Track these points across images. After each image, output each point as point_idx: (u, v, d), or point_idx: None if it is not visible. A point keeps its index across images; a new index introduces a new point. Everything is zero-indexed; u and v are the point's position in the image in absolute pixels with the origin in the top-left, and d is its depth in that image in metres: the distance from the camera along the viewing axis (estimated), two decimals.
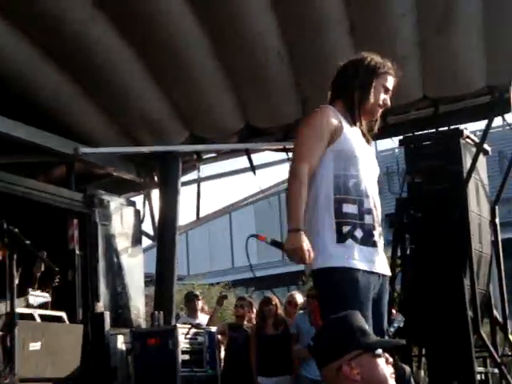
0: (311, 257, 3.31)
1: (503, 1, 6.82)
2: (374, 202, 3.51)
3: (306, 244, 3.29)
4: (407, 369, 4.46)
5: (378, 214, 3.52)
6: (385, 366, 2.44)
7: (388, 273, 3.57)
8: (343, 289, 3.35)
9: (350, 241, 3.40)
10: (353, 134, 3.52)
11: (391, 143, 8.23)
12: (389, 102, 3.63)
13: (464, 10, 6.83)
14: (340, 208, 3.39)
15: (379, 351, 2.44)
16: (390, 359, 2.46)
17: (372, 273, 3.43)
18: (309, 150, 3.43)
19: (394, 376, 2.45)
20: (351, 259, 3.38)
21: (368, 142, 3.67)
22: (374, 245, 3.47)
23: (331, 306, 3.33)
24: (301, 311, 7.86)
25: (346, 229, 3.38)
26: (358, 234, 3.41)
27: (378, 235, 3.50)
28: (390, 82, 3.63)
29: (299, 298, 8.19)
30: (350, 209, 3.42)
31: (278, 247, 3.37)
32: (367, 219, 3.45)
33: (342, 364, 2.40)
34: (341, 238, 3.39)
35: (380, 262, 3.50)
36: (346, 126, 3.51)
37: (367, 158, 3.58)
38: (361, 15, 6.90)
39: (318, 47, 7.13)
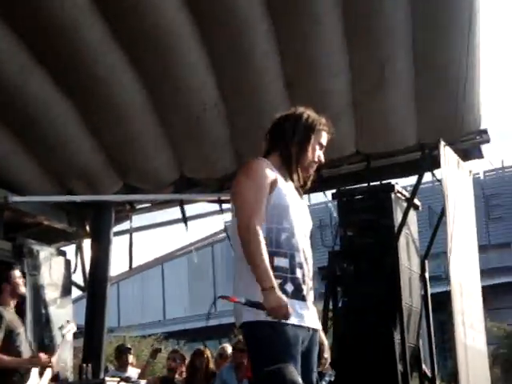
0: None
1: (434, 66, 7.03)
2: (305, 255, 3.53)
3: (284, 299, 3.26)
4: None
5: (309, 268, 3.54)
6: None
7: (318, 326, 3.58)
8: (272, 343, 3.34)
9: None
10: (286, 188, 3.55)
11: (324, 196, 8.32)
12: (323, 158, 3.69)
13: (396, 71, 7.01)
14: (271, 261, 3.39)
15: None
16: None
17: (301, 327, 3.44)
18: (256, 204, 3.42)
19: None
20: (267, 315, 3.37)
21: (301, 195, 3.70)
22: (303, 299, 3.48)
23: (260, 359, 3.32)
24: (227, 364, 7.81)
25: (276, 282, 3.38)
26: (289, 287, 3.42)
27: (308, 289, 3.51)
28: (325, 139, 3.70)
29: (230, 351, 8.14)
30: (281, 262, 3.43)
31: (257, 307, 3.32)
32: (298, 273, 3.46)
33: None
34: None
35: (309, 316, 3.51)
36: (280, 179, 3.54)
37: (300, 212, 3.60)
38: (296, 73, 7.02)
39: (254, 102, 7.21)
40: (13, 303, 6.03)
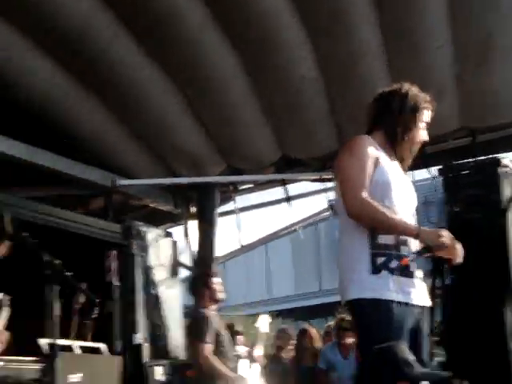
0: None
1: None
2: None
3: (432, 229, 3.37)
4: None
5: (414, 244, 3.51)
6: None
7: (427, 303, 3.55)
8: (378, 320, 3.34)
9: (384, 272, 3.40)
10: (390, 166, 3.53)
11: (428, 173, 8.19)
12: (427, 137, 3.65)
13: (502, 46, 6.81)
14: (375, 239, 3.39)
15: (424, 383, 2.41)
16: None
17: (407, 304, 3.42)
18: (360, 182, 3.42)
19: None
20: (386, 290, 3.37)
21: (405, 172, 3.67)
22: (410, 276, 3.46)
23: (368, 337, 3.33)
24: (330, 342, 7.83)
25: (380, 260, 3.38)
26: (394, 264, 3.41)
27: (415, 266, 3.49)
28: (428, 117, 3.65)
29: None
30: (385, 240, 3.42)
31: (428, 251, 3.40)
32: (403, 250, 3.44)
33: None
34: (375, 269, 3.39)
35: (417, 293, 3.48)
36: (383, 157, 3.52)
37: (404, 190, 3.58)
38: (397, 46, 6.90)
39: (355, 75, 7.14)
40: (212, 307, 6.20)
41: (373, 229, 3.40)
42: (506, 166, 7.07)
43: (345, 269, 3.45)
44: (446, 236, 3.41)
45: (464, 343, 6.66)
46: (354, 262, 3.41)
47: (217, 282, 6.31)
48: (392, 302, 3.35)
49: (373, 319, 3.34)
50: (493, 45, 6.76)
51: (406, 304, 3.41)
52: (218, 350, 6.09)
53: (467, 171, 7.20)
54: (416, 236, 3.37)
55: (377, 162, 3.48)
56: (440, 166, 7.41)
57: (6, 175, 7.30)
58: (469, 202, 7.03)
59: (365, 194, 3.36)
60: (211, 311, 6.20)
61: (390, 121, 3.58)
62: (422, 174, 7.62)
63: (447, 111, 7.12)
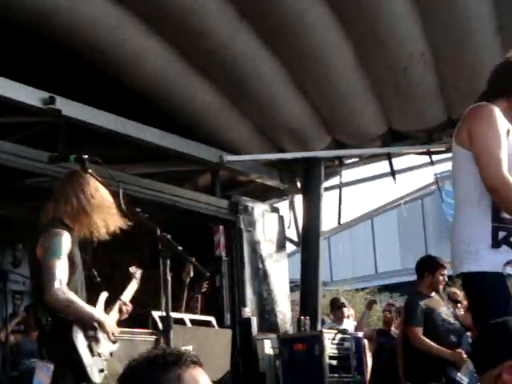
0: None
1: None
2: None
3: None
4: None
5: None
6: None
7: None
8: (495, 295, 3.27)
9: (504, 247, 3.31)
10: None
11: None
12: None
13: None
14: (498, 212, 3.31)
15: None
16: None
17: None
18: (500, 153, 3.33)
19: None
20: (505, 265, 3.29)
21: None
22: None
23: (482, 311, 3.27)
24: None
25: (501, 234, 3.30)
26: None
27: None
28: None
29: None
30: (508, 215, 3.33)
31: None
32: None
33: (503, 371, 2.33)
34: (496, 243, 3.31)
35: None
36: (510, 127, 3.43)
37: None
38: (509, 15, 6.68)
39: (464, 50, 6.97)
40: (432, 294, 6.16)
41: (495, 203, 3.33)
42: None
43: (462, 240, 3.37)
44: None
45: None
46: (474, 234, 3.33)
47: (443, 273, 6.22)
48: (510, 276, 3.29)
49: (490, 294, 3.27)
50: None
51: None
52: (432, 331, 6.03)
53: None
54: None
55: (508, 133, 3.39)
56: None
57: (118, 152, 7.50)
58: None
59: (505, 172, 3.27)
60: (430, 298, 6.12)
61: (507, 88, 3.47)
62: None
63: None
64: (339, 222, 9.67)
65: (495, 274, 3.27)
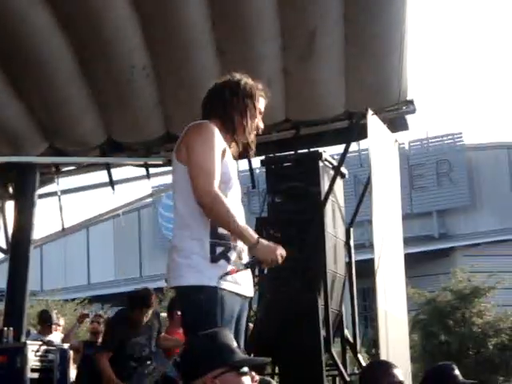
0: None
1: (363, 35, 7.08)
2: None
3: (271, 244, 3.41)
4: (273, 382, 4.52)
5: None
6: (250, 383, 2.43)
7: (252, 294, 3.62)
8: (210, 308, 3.36)
9: (222, 261, 3.42)
10: (229, 156, 3.56)
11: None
12: (262, 125, 3.70)
13: (326, 40, 7.04)
14: (215, 229, 3.41)
15: (245, 369, 2.43)
16: (256, 377, 2.47)
17: (239, 295, 3.48)
18: (214, 169, 3.40)
19: None
20: (222, 280, 3.40)
21: (252, 156, 3.74)
22: (243, 267, 3.50)
23: (196, 323, 3.34)
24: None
25: (219, 249, 3.41)
26: (231, 255, 3.44)
27: (246, 257, 3.54)
28: (263, 105, 3.70)
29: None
30: (224, 230, 3.44)
31: (256, 265, 3.42)
32: (239, 242, 3.47)
33: (206, 381, 2.38)
34: (214, 258, 3.41)
35: (248, 285, 3.55)
36: (227, 148, 3.55)
37: (236, 179, 3.62)
38: (227, 40, 6.97)
39: (184, 66, 7.14)
40: None
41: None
42: (326, 160, 7.33)
43: (183, 255, 3.43)
44: (280, 254, 3.45)
45: (278, 329, 6.84)
46: (194, 249, 3.40)
47: None
48: (226, 290, 3.39)
49: (206, 306, 3.35)
50: (316, 39, 6.97)
51: (238, 294, 3.46)
52: None
53: (289, 163, 7.39)
54: (254, 245, 3.39)
55: (223, 153, 3.48)
56: (263, 157, 7.56)
57: None
58: (289, 193, 7.22)
59: (217, 189, 3.35)
60: None
61: (225, 109, 3.58)
62: (245, 164, 7.69)
63: (273, 103, 7.22)
64: (63, 229, 9.47)
65: (213, 288, 3.36)
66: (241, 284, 3.49)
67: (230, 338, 2.53)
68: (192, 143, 3.48)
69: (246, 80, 3.66)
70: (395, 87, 7.42)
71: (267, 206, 7.32)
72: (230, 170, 3.50)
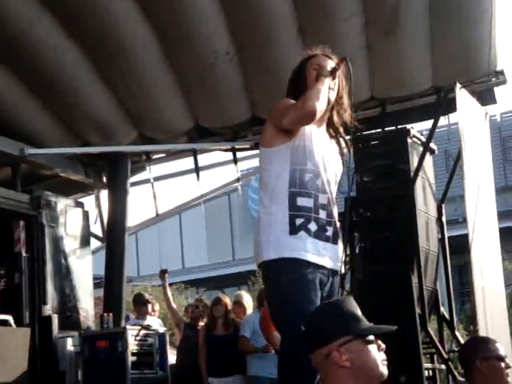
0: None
1: (447, 4, 6.91)
2: (330, 198, 3.54)
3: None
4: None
5: (333, 210, 3.55)
6: (376, 352, 2.41)
7: (339, 269, 3.60)
8: (293, 279, 3.37)
9: (302, 233, 3.43)
10: (314, 131, 3.57)
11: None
12: (333, 96, 3.68)
13: (410, 12, 6.90)
14: (294, 201, 3.43)
15: (370, 337, 2.41)
16: (383, 346, 2.45)
17: (322, 267, 3.46)
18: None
19: (385, 363, 2.43)
20: (303, 251, 3.40)
21: (336, 140, 3.72)
22: (327, 240, 3.49)
23: (281, 296, 3.36)
24: (253, 312, 7.87)
25: (299, 221, 3.42)
26: (312, 227, 3.45)
27: (333, 232, 3.52)
28: (332, 64, 3.69)
29: (246, 298, 8.23)
30: (304, 202, 3.45)
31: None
32: (321, 214, 3.47)
33: (332, 350, 2.37)
34: (294, 229, 3.42)
35: (332, 258, 3.52)
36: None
37: (328, 156, 3.61)
38: (308, 18, 6.93)
39: (267, 49, 7.14)
40: None
41: (292, 192, 3.43)
42: (415, 137, 7.21)
43: (262, 231, 3.47)
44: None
45: (373, 308, 6.78)
46: (272, 223, 3.43)
47: None
48: (309, 262, 3.39)
49: (289, 277, 3.36)
50: (400, 12, 6.84)
51: (321, 266, 3.45)
52: None
53: (376, 141, 7.30)
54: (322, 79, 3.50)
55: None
56: (349, 136, 7.48)
57: None
58: (378, 171, 7.14)
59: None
60: None
61: (298, 88, 3.60)
62: None
63: (358, 81, 7.18)
64: (157, 215, 9.69)
65: (293, 260, 3.37)
66: (325, 256, 3.47)
67: (354, 306, 2.51)
68: (271, 109, 3.58)
69: (309, 52, 3.70)
70: (484, 58, 7.22)
71: (356, 185, 7.26)
72: (310, 143, 3.53)
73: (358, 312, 2.49)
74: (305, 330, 2.49)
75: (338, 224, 3.62)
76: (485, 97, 7.74)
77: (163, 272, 8.89)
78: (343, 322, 2.41)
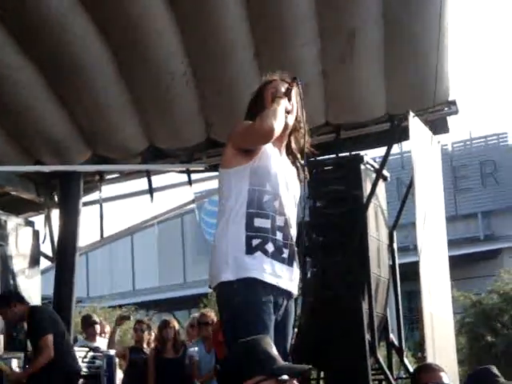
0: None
1: (403, 34, 7.03)
2: (288, 220, 3.55)
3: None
4: None
5: (291, 233, 3.56)
6: None
7: (295, 291, 3.60)
8: (248, 300, 3.36)
9: (259, 253, 3.43)
10: (274, 153, 3.59)
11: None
12: (291, 120, 3.71)
13: (366, 40, 7.00)
14: (252, 222, 3.43)
15: (284, 377, 2.42)
16: None
17: (278, 288, 3.46)
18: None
19: None
20: (260, 271, 3.40)
21: (295, 165, 3.74)
22: (283, 262, 3.50)
23: (231, 318, 3.35)
24: (195, 339, 7.90)
25: (255, 242, 3.42)
26: (269, 248, 3.45)
27: (289, 254, 3.52)
28: (296, 96, 3.72)
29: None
30: (262, 223, 3.46)
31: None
32: (278, 236, 3.48)
33: None
34: (250, 250, 3.42)
35: (288, 280, 3.52)
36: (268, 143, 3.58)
37: (287, 179, 3.63)
38: (265, 43, 6.97)
39: (222, 72, 7.16)
40: None
41: (249, 212, 3.43)
42: (368, 163, 7.29)
43: (220, 251, 3.46)
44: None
45: (323, 334, 6.82)
46: (230, 243, 3.43)
47: None
48: (265, 283, 3.39)
49: (244, 300, 3.35)
50: (356, 40, 6.93)
51: (277, 288, 3.45)
52: None
53: (330, 167, 7.36)
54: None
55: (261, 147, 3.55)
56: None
57: None
58: (331, 197, 7.20)
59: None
60: None
61: (262, 109, 3.62)
62: None
63: (313, 106, 7.24)
64: (101, 236, 9.53)
65: (250, 280, 3.37)
66: (281, 277, 3.47)
67: (269, 344, 2.53)
68: (231, 130, 3.60)
69: (267, 77, 3.74)
70: (437, 88, 7.34)
71: (309, 210, 7.30)
72: (269, 164, 3.55)
73: (273, 351, 2.51)
74: (220, 369, 2.50)
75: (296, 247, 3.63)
76: (437, 126, 7.86)
77: (122, 318, 8.85)
78: (257, 362, 2.43)
